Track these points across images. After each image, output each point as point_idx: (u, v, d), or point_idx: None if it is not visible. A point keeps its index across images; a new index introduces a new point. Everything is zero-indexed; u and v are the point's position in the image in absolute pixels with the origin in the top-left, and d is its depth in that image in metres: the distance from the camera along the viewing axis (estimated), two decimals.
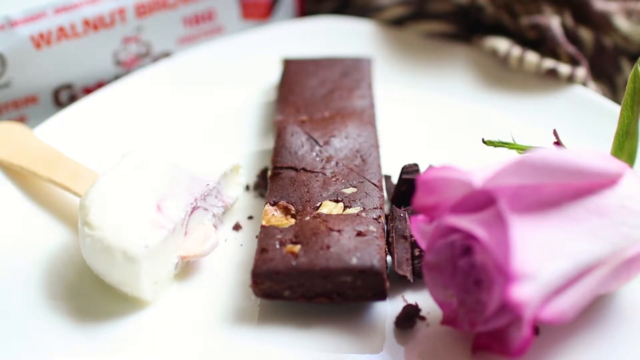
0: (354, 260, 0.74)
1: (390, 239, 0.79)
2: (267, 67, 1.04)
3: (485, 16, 1.05)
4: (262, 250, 0.76)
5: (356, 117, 0.91)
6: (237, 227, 0.86)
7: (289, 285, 0.75)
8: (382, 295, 0.75)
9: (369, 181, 0.83)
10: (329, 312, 0.77)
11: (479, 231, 0.68)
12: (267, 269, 0.74)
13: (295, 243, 0.76)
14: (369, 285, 0.74)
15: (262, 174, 0.92)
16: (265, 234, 0.77)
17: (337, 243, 0.75)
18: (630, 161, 0.77)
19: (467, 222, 0.69)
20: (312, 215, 0.79)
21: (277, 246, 0.76)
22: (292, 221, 0.79)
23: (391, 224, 0.81)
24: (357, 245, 0.75)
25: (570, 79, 0.97)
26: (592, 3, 1.00)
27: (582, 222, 0.68)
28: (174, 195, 0.80)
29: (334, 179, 0.83)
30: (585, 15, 1.01)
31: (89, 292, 0.79)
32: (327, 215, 0.79)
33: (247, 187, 0.90)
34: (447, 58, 1.04)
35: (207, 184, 0.82)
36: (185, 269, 0.81)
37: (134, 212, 0.77)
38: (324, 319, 0.76)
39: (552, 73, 0.98)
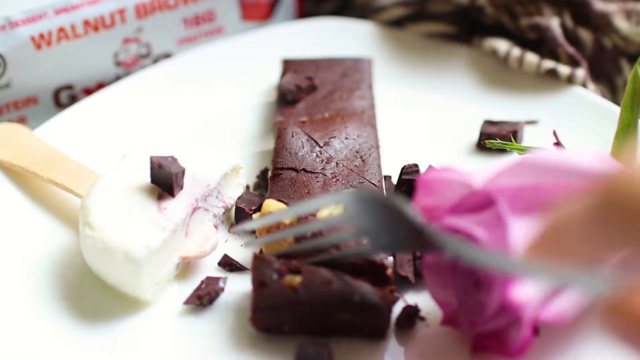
0: (356, 298, 0.73)
1: None
2: (267, 68, 1.04)
3: (485, 17, 1.05)
4: (260, 284, 0.73)
5: (356, 118, 0.91)
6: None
7: (289, 321, 0.74)
8: (381, 334, 0.74)
9: (369, 182, 0.83)
10: None
11: (479, 231, 0.68)
12: (267, 306, 0.73)
13: (294, 272, 0.74)
14: (369, 323, 0.73)
15: (263, 175, 0.92)
16: (262, 261, 0.75)
17: (338, 277, 0.74)
18: None
19: (466, 223, 0.69)
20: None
21: (275, 277, 0.73)
22: (290, 238, 0.78)
23: None
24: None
25: (570, 80, 0.97)
26: (592, 4, 1.01)
27: None
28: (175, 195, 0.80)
29: (334, 180, 0.84)
30: (584, 16, 1.02)
31: (90, 293, 0.79)
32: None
33: (248, 188, 0.90)
34: (447, 59, 1.05)
35: (208, 185, 0.82)
36: (186, 269, 0.82)
37: (135, 212, 0.78)
38: None
39: (552, 74, 0.98)
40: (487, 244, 0.68)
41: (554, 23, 1.00)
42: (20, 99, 0.99)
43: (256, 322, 0.74)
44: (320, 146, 0.87)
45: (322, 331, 0.74)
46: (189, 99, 1.01)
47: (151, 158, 0.79)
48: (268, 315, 0.73)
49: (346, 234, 0.73)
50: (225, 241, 0.85)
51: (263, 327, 0.74)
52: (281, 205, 0.80)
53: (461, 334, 0.74)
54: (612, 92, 1.01)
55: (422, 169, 0.88)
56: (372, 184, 0.83)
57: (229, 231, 0.85)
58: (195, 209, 0.81)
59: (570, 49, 0.98)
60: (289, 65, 1.00)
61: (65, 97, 1.01)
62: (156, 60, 1.06)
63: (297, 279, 0.73)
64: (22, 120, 1.00)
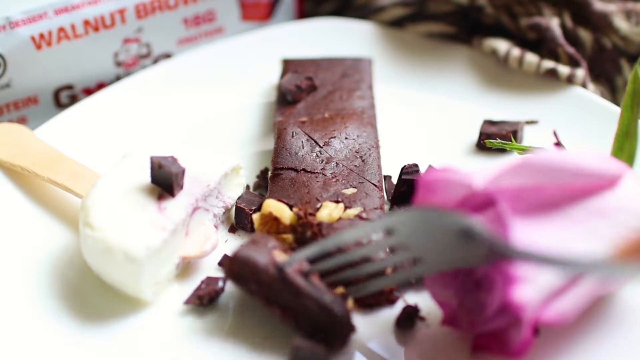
0: (327, 298, 0.72)
1: None
2: (267, 68, 1.04)
3: (485, 17, 1.05)
4: (252, 241, 0.75)
5: (356, 118, 0.91)
6: (232, 230, 0.86)
7: (258, 282, 0.73)
8: (341, 344, 0.73)
9: (369, 182, 0.83)
10: None
11: None
12: (248, 257, 0.73)
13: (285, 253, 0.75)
14: (330, 327, 0.73)
15: (263, 175, 0.92)
16: (264, 234, 0.77)
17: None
18: (630, 162, 0.77)
19: None
20: (312, 230, 0.78)
21: (270, 245, 0.75)
22: (290, 237, 0.79)
23: None
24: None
25: (570, 80, 0.97)
26: (592, 4, 1.01)
27: (582, 223, 0.68)
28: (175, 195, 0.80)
29: (334, 180, 0.84)
30: (584, 16, 1.02)
31: (90, 293, 0.79)
32: (327, 226, 0.78)
33: (248, 188, 0.90)
34: (447, 59, 1.05)
35: (208, 185, 0.83)
36: (186, 269, 0.82)
37: (135, 212, 0.78)
38: None
39: (552, 73, 0.98)
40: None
41: (553, 23, 1.00)
42: (20, 99, 0.99)
43: (228, 267, 0.74)
44: (320, 146, 0.87)
45: (285, 308, 0.73)
46: (189, 99, 1.01)
47: (151, 158, 0.79)
48: (244, 268, 0.73)
49: (399, 256, 0.72)
50: (225, 241, 0.85)
51: (231, 274, 0.74)
52: (281, 205, 0.80)
53: (461, 334, 0.74)
54: (612, 92, 1.01)
55: (422, 169, 0.88)
56: (372, 184, 0.83)
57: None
58: (195, 209, 0.81)
59: (570, 49, 0.98)
60: (289, 65, 1.00)
61: (65, 97, 1.01)
62: (156, 60, 1.06)
63: (285, 256, 0.74)
64: (22, 120, 1.00)
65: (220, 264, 0.82)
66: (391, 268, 0.75)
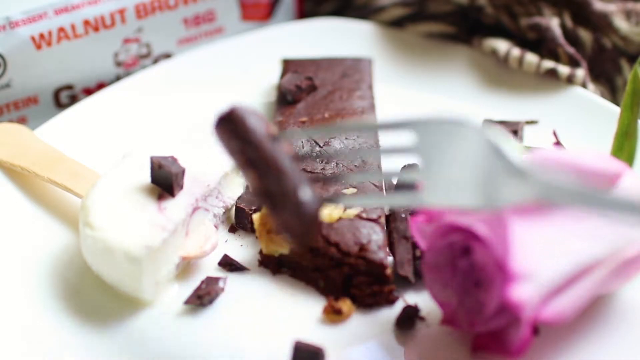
0: (305, 186, 0.69)
1: (392, 240, 0.80)
2: (267, 68, 1.04)
3: (485, 17, 1.05)
4: (252, 110, 0.71)
5: (356, 118, 0.91)
6: (232, 230, 0.86)
7: (246, 141, 0.69)
8: (298, 239, 0.70)
9: (369, 182, 0.83)
10: None
11: (480, 227, 0.68)
12: (245, 114, 0.69)
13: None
14: (296, 212, 0.69)
15: None
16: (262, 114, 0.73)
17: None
18: (630, 162, 0.77)
19: (468, 220, 0.69)
20: None
21: (265, 118, 0.71)
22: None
23: (392, 225, 0.81)
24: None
25: (570, 80, 0.97)
26: (592, 4, 1.01)
27: (581, 222, 0.68)
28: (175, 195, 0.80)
29: (334, 180, 0.84)
30: (584, 16, 1.02)
31: (90, 293, 0.79)
32: (327, 226, 0.78)
33: (248, 188, 0.90)
34: (447, 59, 1.05)
35: (208, 185, 0.83)
36: (186, 269, 0.82)
37: (135, 212, 0.78)
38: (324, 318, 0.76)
39: (552, 73, 0.98)
40: (489, 241, 0.68)
41: (553, 23, 1.00)
42: (20, 99, 0.99)
43: (221, 115, 0.71)
44: (320, 146, 0.88)
45: (261, 177, 0.70)
46: (189, 99, 1.01)
47: (151, 158, 0.79)
48: (235, 122, 0.70)
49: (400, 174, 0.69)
50: (225, 241, 0.85)
51: (221, 123, 0.71)
52: None
53: (461, 334, 0.74)
54: (612, 92, 1.01)
55: None
56: (372, 184, 0.83)
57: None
58: (195, 209, 0.81)
59: (570, 49, 0.98)
60: (289, 65, 1.00)
61: (65, 97, 1.02)
62: (156, 60, 1.06)
63: (277, 132, 0.71)
64: (22, 120, 1.00)
65: (220, 264, 0.82)
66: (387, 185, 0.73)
